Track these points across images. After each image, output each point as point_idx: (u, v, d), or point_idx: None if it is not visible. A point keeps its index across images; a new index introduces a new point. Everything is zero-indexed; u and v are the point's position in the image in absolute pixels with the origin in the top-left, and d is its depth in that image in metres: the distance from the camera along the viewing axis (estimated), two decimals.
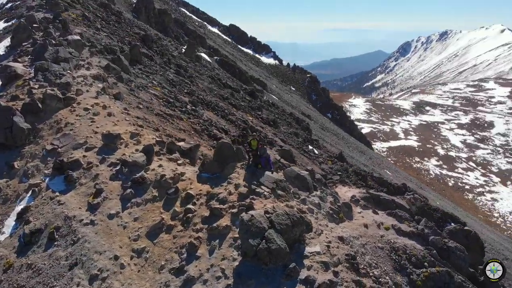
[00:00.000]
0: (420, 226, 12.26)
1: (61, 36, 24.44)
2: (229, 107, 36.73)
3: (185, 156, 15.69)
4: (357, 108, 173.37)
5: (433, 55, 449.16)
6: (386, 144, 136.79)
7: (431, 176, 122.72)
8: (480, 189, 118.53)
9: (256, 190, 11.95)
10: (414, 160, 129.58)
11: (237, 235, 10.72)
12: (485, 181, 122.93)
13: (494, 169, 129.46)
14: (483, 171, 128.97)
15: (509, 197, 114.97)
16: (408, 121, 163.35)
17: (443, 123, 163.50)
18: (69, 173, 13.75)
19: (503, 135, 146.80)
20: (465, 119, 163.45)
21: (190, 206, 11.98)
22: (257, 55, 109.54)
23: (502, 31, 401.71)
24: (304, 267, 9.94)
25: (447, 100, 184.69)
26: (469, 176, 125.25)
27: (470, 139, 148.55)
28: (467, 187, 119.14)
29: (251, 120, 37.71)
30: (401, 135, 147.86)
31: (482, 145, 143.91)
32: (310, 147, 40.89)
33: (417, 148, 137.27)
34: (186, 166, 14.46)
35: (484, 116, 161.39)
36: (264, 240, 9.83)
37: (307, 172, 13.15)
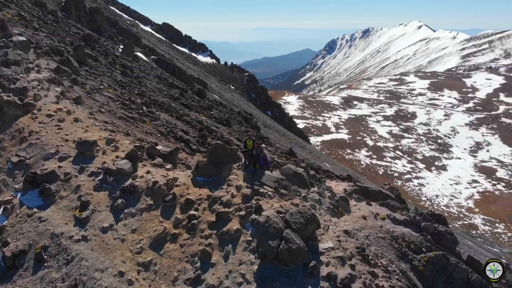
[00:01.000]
0: (412, 214, 12.98)
1: (3, 38, 21.92)
2: (181, 108, 35.79)
3: (166, 160, 15.00)
4: (291, 105, 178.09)
5: (357, 52, 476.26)
6: (319, 138, 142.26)
7: (363, 166, 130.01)
8: (408, 176, 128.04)
9: (260, 190, 11.80)
10: (346, 152, 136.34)
11: (249, 238, 10.51)
12: (411, 168, 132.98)
13: (419, 156, 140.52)
14: (409, 158, 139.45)
15: (434, 182, 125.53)
16: (338, 115, 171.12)
17: (370, 116, 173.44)
18: (46, 186, 12.47)
19: (425, 124, 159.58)
20: (390, 111, 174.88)
21: (192, 212, 11.49)
22: (193, 54, 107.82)
23: (419, 27, 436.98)
24: (323, 264, 10.04)
25: (373, 94, 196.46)
26: (397, 164, 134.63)
27: (396, 130, 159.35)
28: (396, 174, 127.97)
29: (205, 120, 37.11)
30: (333, 129, 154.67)
31: (406, 135, 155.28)
32: (263, 145, 41.19)
33: (348, 141, 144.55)
34: (176, 170, 13.83)
35: (407, 107, 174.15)
36: (283, 241, 9.76)
37: (303, 169, 13.26)
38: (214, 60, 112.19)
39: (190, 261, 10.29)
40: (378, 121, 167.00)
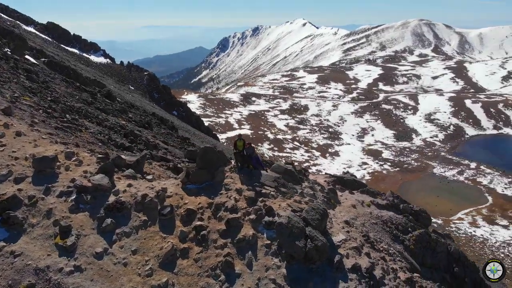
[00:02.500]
0: (390, 198, 13.99)
1: None
2: (99, 112, 32.77)
3: (134, 170, 13.67)
4: (192, 104, 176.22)
5: (249, 49, 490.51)
6: (224, 135, 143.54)
7: (267, 159, 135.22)
8: (307, 164, 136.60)
9: (262, 191, 11.49)
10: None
11: (267, 242, 10.21)
12: (309, 156, 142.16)
13: (314, 145, 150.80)
14: (306, 148, 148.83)
15: (330, 167, 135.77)
16: (239, 112, 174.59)
17: (268, 111, 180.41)
18: (10, 214, 10.40)
19: (317, 115, 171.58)
20: (285, 105, 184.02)
21: (198, 222, 10.68)
22: (85, 55, 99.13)
23: (304, 24, 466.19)
24: (343, 256, 10.26)
25: (268, 90, 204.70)
26: (296, 154, 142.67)
27: (292, 122, 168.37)
28: (296, 163, 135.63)
29: (125, 124, 34.62)
30: (236, 126, 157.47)
31: (301, 126, 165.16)
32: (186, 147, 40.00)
33: (251, 136, 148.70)
34: (160, 181, 12.67)
35: (300, 101, 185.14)
36: (308, 239, 9.71)
37: (291, 166, 13.29)
38: (108, 60, 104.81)
39: (212, 275, 9.59)
40: (275, 115, 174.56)
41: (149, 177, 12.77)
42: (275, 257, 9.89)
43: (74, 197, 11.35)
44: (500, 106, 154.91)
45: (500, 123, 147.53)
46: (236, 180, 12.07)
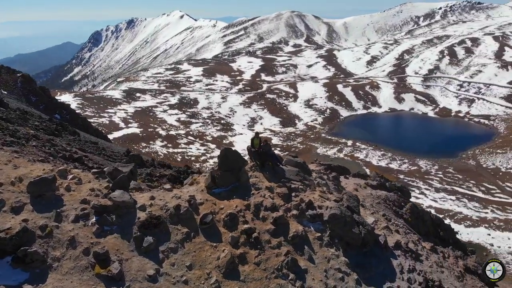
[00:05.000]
0: (377, 178, 15.34)
1: None
2: (3, 122, 27.99)
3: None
4: (69, 104, 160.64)
5: (126, 43, 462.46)
6: (111, 136, 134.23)
7: (161, 156, 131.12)
8: (204, 157, 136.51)
9: (292, 186, 11.58)
10: (141, 146, 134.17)
11: (318, 234, 10.46)
12: (205, 149, 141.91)
13: (208, 138, 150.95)
14: (201, 141, 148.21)
15: None
16: (124, 109, 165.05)
17: (156, 106, 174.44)
18: (28, 251, 8.59)
19: (207, 108, 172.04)
20: (174, 100, 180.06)
21: (245, 226, 10.30)
22: None
23: (181, 16, 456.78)
24: (380, 236, 11.08)
25: (153, 84, 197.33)
26: (191, 148, 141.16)
27: (183, 117, 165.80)
28: (193, 158, 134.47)
29: (34, 133, 30.27)
30: (122, 125, 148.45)
31: (194, 120, 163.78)
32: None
33: (140, 134, 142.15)
34: (182, 189, 11.70)
35: (188, 94, 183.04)
36: (359, 225, 10.26)
37: (299, 158, 13.51)
38: None
39: (280, 275, 9.48)
40: (165, 111, 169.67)
41: (167, 186, 11.75)
42: (330, 247, 10.22)
43: (94, 219, 9.94)
44: (367, 88, 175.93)
45: (369, 103, 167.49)
46: (262, 178, 11.93)
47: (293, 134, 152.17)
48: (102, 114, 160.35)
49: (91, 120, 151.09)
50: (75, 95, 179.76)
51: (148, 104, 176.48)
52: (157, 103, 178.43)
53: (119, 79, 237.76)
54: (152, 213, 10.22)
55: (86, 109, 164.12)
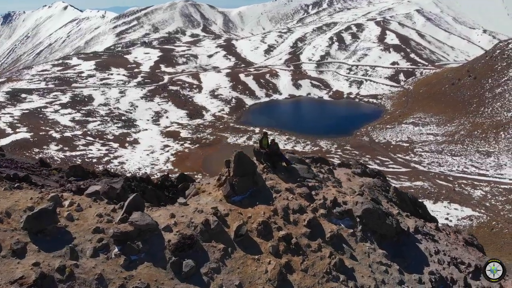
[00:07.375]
0: (359, 166, 15.81)
1: None
2: None
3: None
4: None
5: (3, 39, 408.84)
6: None
7: (58, 162, 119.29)
8: (107, 158, 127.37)
9: (309, 185, 11.27)
10: (34, 152, 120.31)
11: (350, 231, 10.39)
12: (107, 149, 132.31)
13: (109, 136, 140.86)
14: (101, 141, 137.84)
15: (132, 157, 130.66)
16: (9, 113, 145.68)
17: (46, 107, 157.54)
18: None
19: (105, 104, 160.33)
20: (65, 98, 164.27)
21: (281, 232, 9.69)
22: None
23: (65, 8, 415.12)
24: (402, 223, 11.42)
25: (40, 83, 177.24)
26: (91, 150, 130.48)
27: (78, 116, 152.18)
28: (94, 160, 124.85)
29: None
30: (9, 130, 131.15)
31: (91, 119, 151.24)
32: None
33: (31, 139, 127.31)
34: (199, 201, 10.44)
35: (82, 91, 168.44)
36: (389, 216, 10.42)
37: (298, 155, 13.15)
38: None
39: (331, 278, 9.17)
40: (56, 111, 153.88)
41: (184, 200, 10.47)
42: (365, 242, 10.24)
43: (117, 250, 8.47)
44: (267, 76, 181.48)
45: (270, 91, 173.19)
46: (278, 180, 11.36)
47: (202, 126, 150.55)
48: None
49: None
50: None
51: (37, 105, 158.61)
52: (47, 103, 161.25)
53: None
54: (183, 232, 9.04)
55: None
